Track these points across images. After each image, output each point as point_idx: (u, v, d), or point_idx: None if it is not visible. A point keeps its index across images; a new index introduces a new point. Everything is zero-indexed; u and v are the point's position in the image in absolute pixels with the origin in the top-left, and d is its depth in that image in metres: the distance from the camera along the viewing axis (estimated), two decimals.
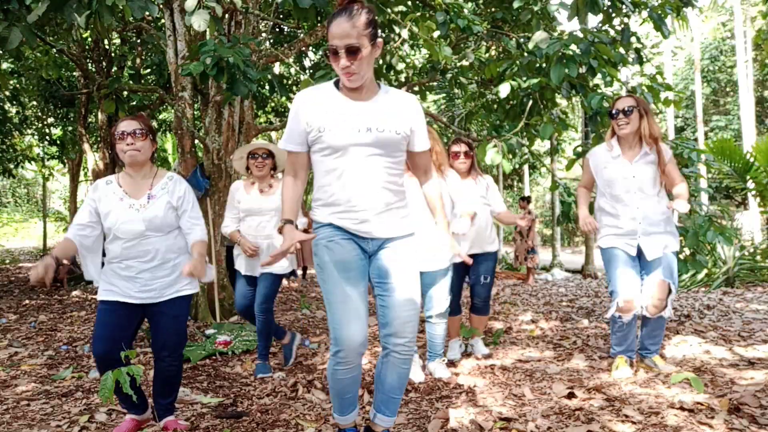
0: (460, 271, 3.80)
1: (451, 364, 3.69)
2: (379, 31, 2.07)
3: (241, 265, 3.76)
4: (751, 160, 8.57)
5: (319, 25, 5.81)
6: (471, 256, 3.84)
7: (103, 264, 2.61)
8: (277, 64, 9.37)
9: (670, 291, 3.25)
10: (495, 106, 6.34)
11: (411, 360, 2.16)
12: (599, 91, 5.17)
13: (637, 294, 3.25)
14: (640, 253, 3.28)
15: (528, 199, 10.42)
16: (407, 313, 2.09)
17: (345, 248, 2.07)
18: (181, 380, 2.74)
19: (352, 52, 1.93)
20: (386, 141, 2.04)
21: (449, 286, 3.47)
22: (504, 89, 4.99)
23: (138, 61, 10.24)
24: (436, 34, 5.16)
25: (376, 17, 2.05)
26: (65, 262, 7.59)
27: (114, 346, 2.45)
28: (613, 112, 3.26)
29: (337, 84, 2.11)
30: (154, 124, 12.38)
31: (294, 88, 9.94)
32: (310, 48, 7.67)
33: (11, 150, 12.63)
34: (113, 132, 2.52)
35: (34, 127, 12.70)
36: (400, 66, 7.58)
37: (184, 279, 2.59)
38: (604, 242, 3.36)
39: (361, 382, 2.17)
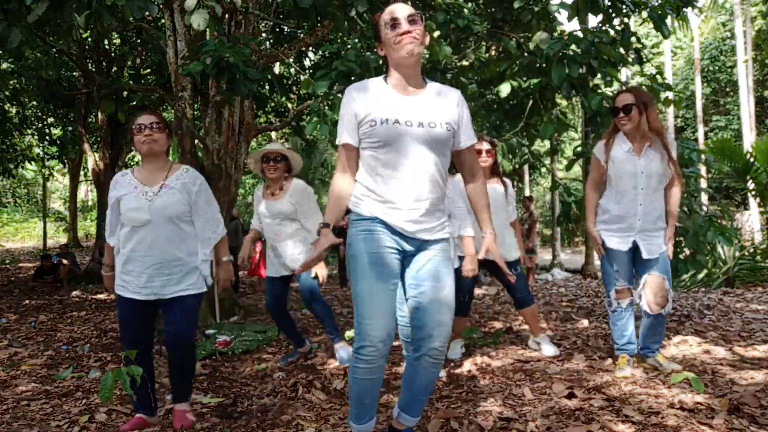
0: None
1: (450, 362, 3.70)
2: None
3: (269, 266, 3.93)
4: (751, 160, 8.56)
5: (319, 25, 5.81)
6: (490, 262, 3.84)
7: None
8: (277, 64, 9.36)
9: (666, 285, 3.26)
10: (495, 106, 6.34)
11: (441, 364, 2.13)
12: (599, 91, 5.17)
13: (629, 287, 3.29)
14: (634, 249, 3.29)
15: (530, 199, 10.45)
16: (442, 317, 2.06)
17: (382, 242, 2.06)
18: (195, 370, 2.78)
19: (413, 21, 2.02)
20: (437, 137, 2.04)
21: (458, 289, 3.45)
22: (504, 89, 4.99)
23: (138, 61, 10.24)
24: (436, 34, 5.15)
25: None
26: (65, 262, 7.64)
27: (140, 336, 2.61)
28: (614, 109, 3.26)
29: (385, 79, 2.14)
30: None
31: (294, 88, 9.93)
32: (310, 48, 7.67)
33: (11, 150, 12.64)
34: (131, 126, 2.59)
35: (34, 127, 12.70)
36: None
37: (191, 278, 2.61)
38: (602, 235, 3.37)
39: (378, 387, 2.12)
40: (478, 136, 3.91)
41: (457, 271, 3.55)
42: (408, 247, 2.10)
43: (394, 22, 2.02)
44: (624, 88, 3.50)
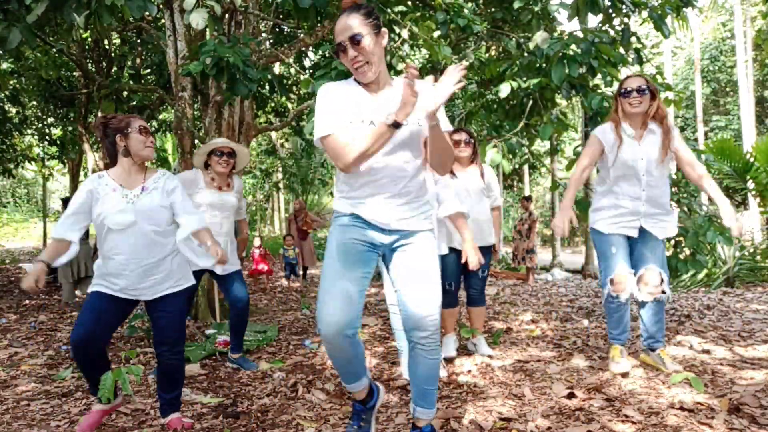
0: (459, 261, 3.77)
1: (448, 361, 3.69)
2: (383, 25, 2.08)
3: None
4: (751, 160, 8.57)
5: (319, 25, 5.81)
6: None
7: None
8: (277, 64, 9.36)
9: (662, 278, 3.25)
10: (495, 106, 6.34)
11: (437, 351, 2.17)
12: (599, 91, 5.17)
13: (630, 274, 3.24)
14: (636, 236, 3.26)
15: (529, 199, 10.40)
16: (425, 308, 2.10)
17: (353, 234, 2.13)
18: (184, 376, 2.76)
19: (356, 42, 2.01)
20: (406, 134, 2.05)
21: (443, 278, 3.45)
22: (504, 89, 4.99)
23: (138, 61, 10.24)
24: (436, 34, 5.15)
25: (375, 11, 2.09)
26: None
27: (94, 335, 2.46)
28: (625, 90, 3.18)
29: (356, 80, 2.16)
30: (154, 124, 12.38)
31: (294, 88, 9.93)
32: (310, 48, 7.67)
33: (11, 150, 12.63)
34: (126, 124, 2.55)
35: (34, 127, 12.69)
36: (400, 66, 7.56)
37: (177, 275, 2.63)
38: (600, 226, 3.30)
39: (358, 362, 2.18)
40: (457, 128, 3.92)
41: (443, 260, 3.55)
42: (386, 239, 2.15)
43: (340, 47, 2.04)
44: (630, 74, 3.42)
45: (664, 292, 3.25)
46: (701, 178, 3.18)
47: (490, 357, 3.86)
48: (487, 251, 3.90)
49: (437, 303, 2.14)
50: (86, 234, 7.18)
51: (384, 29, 2.11)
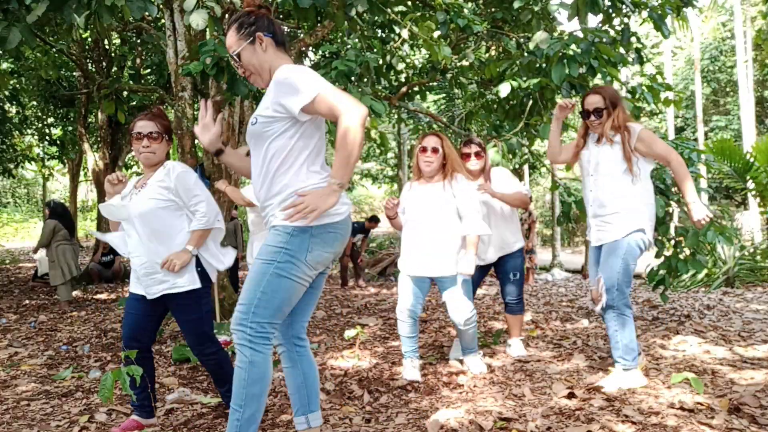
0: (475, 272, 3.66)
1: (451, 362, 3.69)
2: (258, 26, 2.01)
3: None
4: (751, 160, 8.57)
5: (319, 25, 5.81)
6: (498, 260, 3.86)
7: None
8: None
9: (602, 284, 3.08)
10: (495, 106, 6.34)
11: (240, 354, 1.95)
12: None
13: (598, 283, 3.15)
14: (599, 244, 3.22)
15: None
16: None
17: None
18: (230, 368, 2.66)
19: (237, 58, 2.04)
20: (252, 133, 2.03)
21: (468, 292, 3.35)
22: (504, 89, 4.99)
23: (138, 61, 10.24)
24: (436, 34, 5.15)
25: (246, 17, 2.04)
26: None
27: (137, 333, 2.59)
28: (584, 112, 3.20)
29: None
30: None
31: None
32: (310, 48, 7.67)
33: (11, 150, 12.63)
34: (131, 129, 2.60)
35: (34, 127, 12.70)
36: (400, 66, 7.56)
37: (176, 276, 2.53)
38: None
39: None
40: (467, 140, 3.86)
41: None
42: None
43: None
44: (626, 90, 3.43)
45: (600, 297, 3.05)
46: (675, 168, 3.06)
47: (522, 360, 3.78)
48: (516, 255, 3.84)
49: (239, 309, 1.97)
50: (71, 233, 7.18)
51: (260, 33, 2.01)
